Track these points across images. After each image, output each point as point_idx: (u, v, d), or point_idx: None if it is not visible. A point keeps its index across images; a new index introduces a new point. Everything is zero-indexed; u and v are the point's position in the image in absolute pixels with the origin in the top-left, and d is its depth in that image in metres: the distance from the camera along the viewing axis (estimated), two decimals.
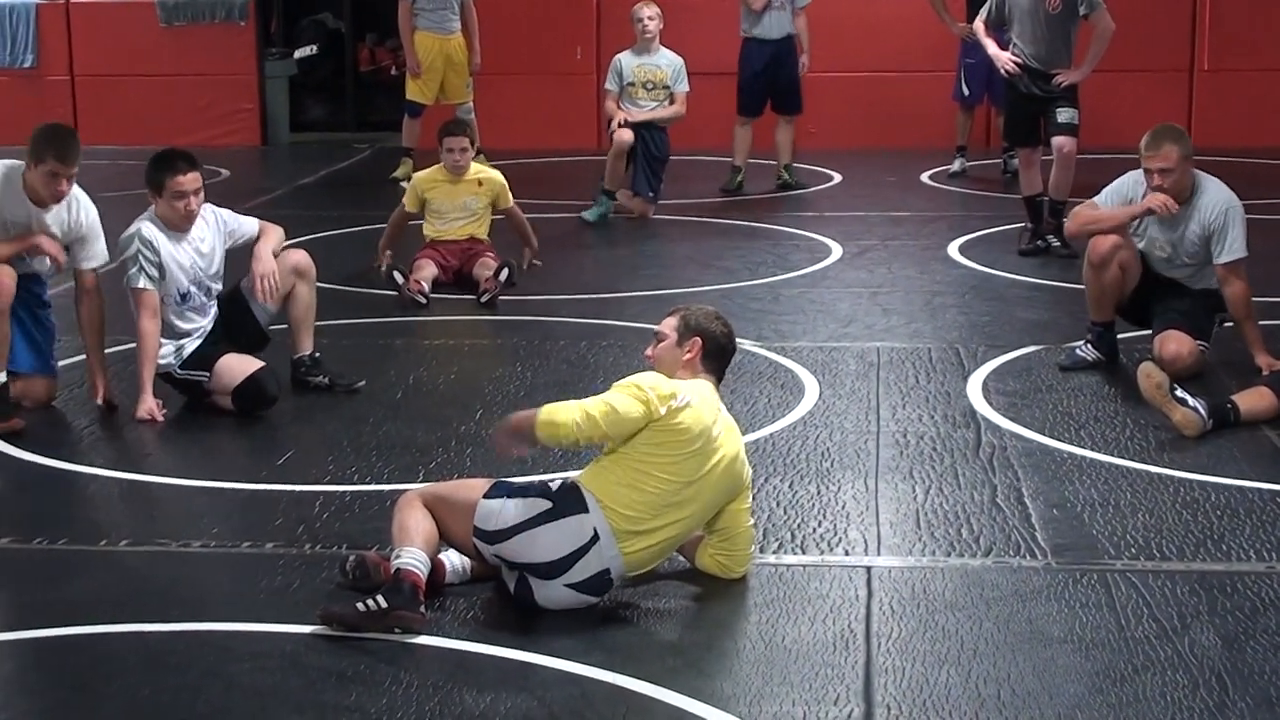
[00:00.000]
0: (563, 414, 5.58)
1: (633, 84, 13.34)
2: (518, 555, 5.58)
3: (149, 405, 7.93)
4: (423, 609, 5.45)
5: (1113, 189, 8.57)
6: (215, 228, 8.28)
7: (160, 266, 8.01)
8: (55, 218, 7.96)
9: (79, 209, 8.07)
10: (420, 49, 15.45)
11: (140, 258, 7.97)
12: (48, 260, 7.98)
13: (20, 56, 18.88)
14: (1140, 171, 8.40)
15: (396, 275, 10.50)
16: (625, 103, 13.36)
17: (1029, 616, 5.55)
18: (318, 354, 8.46)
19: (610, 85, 13.49)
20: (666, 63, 13.46)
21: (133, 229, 8.06)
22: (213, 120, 18.62)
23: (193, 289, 8.17)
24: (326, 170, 16.95)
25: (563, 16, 18.19)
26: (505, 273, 10.53)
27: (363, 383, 8.47)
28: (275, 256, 8.32)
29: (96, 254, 8.18)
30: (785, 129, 14.89)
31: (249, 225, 8.46)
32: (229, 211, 8.46)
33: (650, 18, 13.43)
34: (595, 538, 5.55)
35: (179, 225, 8.11)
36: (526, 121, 17.13)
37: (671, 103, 13.43)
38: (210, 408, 8.12)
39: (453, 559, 5.82)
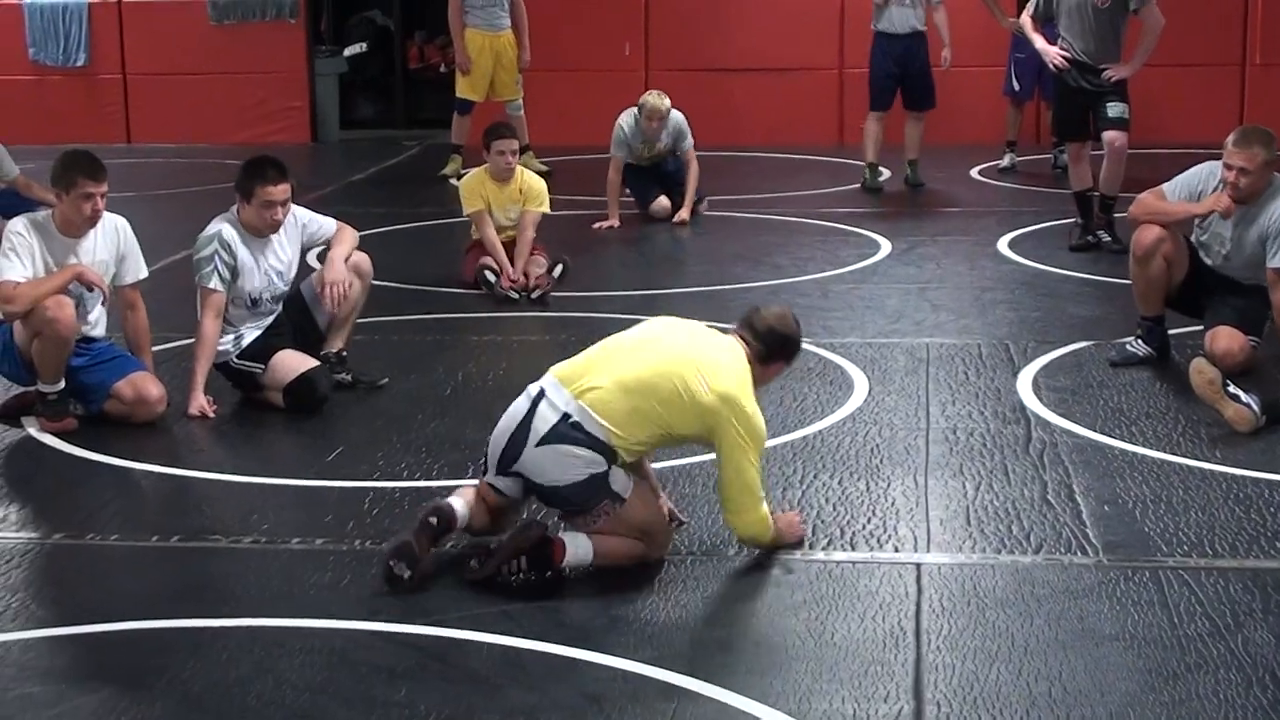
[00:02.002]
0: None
1: (639, 152, 13.09)
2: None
3: (200, 402, 7.97)
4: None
5: (1184, 179, 8.48)
6: (294, 234, 8.33)
7: (234, 270, 8.06)
8: (94, 243, 7.94)
9: (115, 226, 8.05)
10: (470, 46, 15.49)
11: (216, 258, 8.01)
12: (93, 304, 7.95)
13: (73, 55, 19.00)
14: (1214, 164, 8.31)
15: (489, 274, 10.52)
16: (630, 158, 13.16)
17: (1080, 614, 5.53)
18: (344, 352, 8.48)
19: (618, 152, 13.01)
20: (667, 135, 13.06)
21: (213, 229, 8.09)
22: (263, 118, 18.73)
23: (264, 295, 8.23)
24: (376, 167, 17.01)
25: (611, 13, 18.22)
26: (559, 269, 10.57)
27: (385, 380, 8.50)
28: (346, 262, 8.37)
29: (137, 268, 8.18)
30: (914, 125, 14.64)
31: (327, 226, 8.49)
32: (307, 212, 8.46)
33: (660, 119, 12.87)
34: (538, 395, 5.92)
35: (261, 232, 8.15)
36: (575, 118, 17.14)
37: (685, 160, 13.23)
38: (261, 404, 8.15)
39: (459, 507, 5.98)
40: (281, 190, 8.08)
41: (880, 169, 14.72)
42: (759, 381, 6.04)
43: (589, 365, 5.99)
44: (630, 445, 5.86)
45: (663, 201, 13.08)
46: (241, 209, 8.14)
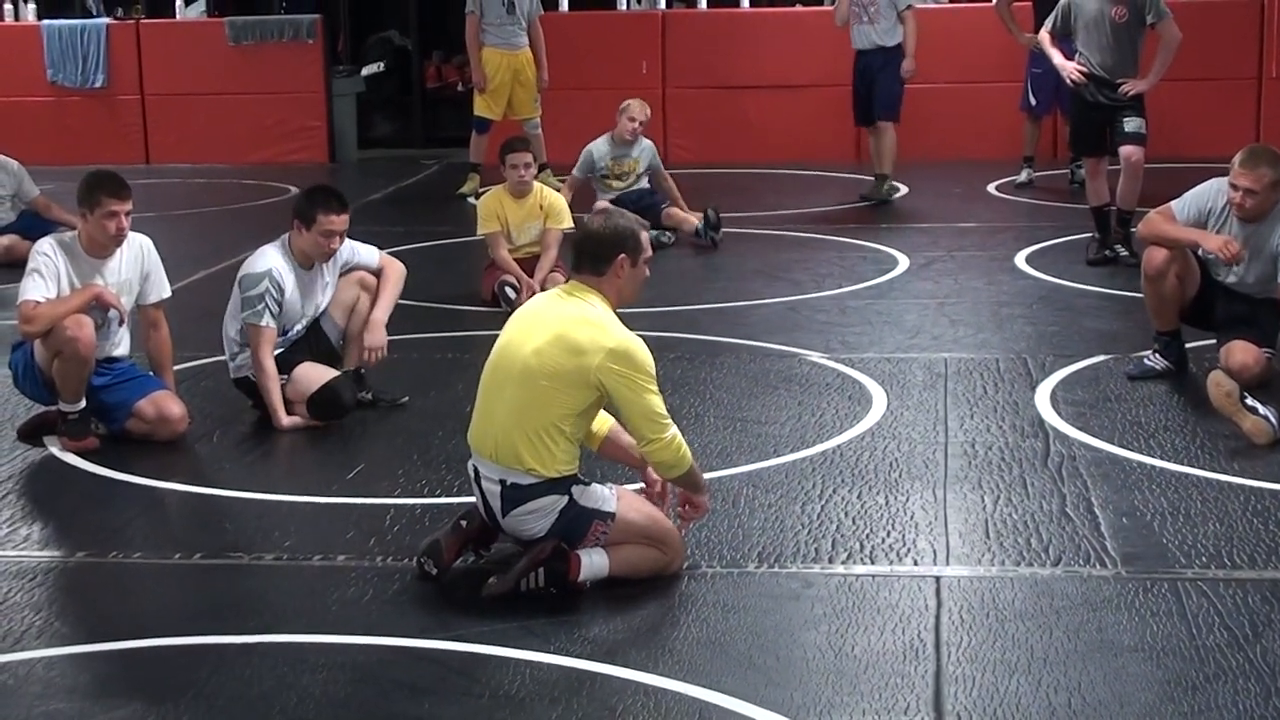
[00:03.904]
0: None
1: (606, 175, 13.09)
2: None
3: (290, 420, 8.07)
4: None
5: (1192, 196, 8.45)
6: (334, 269, 8.37)
7: (281, 304, 8.11)
8: (119, 263, 7.98)
9: (140, 245, 8.09)
10: (488, 65, 15.54)
11: (267, 297, 8.04)
12: (113, 325, 8.00)
13: (91, 77, 19.07)
14: (1223, 180, 8.28)
15: (510, 290, 10.56)
16: (600, 190, 13.09)
17: (1099, 625, 5.54)
18: (363, 370, 8.50)
19: (579, 172, 13.07)
20: (639, 151, 13.19)
21: (263, 266, 8.10)
22: (281, 138, 18.78)
23: (296, 326, 8.28)
24: (394, 186, 17.06)
25: (628, 32, 18.29)
26: None
27: (406, 398, 8.53)
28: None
29: (161, 287, 8.21)
30: (881, 137, 14.80)
31: (368, 258, 8.52)
32: (346, 243, 8.39)
33: (643, 122, 13.10)
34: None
35: (312, 260, 8.21)
36: (592, 136, 17.12)
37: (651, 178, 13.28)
38: None
39: None
40: (342, 221, 8.13)
41: (893, 184, 14.84)
42: (621, 293, 5.98)
43: (481, 417, 6.01)
44: (565, 453, 5.87)
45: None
46: (297, 235, 8.16)
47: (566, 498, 5.86)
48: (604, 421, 6.21)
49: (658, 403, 5.85)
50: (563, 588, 5.84)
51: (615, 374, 5.77)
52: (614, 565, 5.91)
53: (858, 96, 14.89)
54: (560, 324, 5.86)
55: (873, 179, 14.89)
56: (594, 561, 5.89)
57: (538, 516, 5.87)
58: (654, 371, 5.88)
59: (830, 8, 15.59)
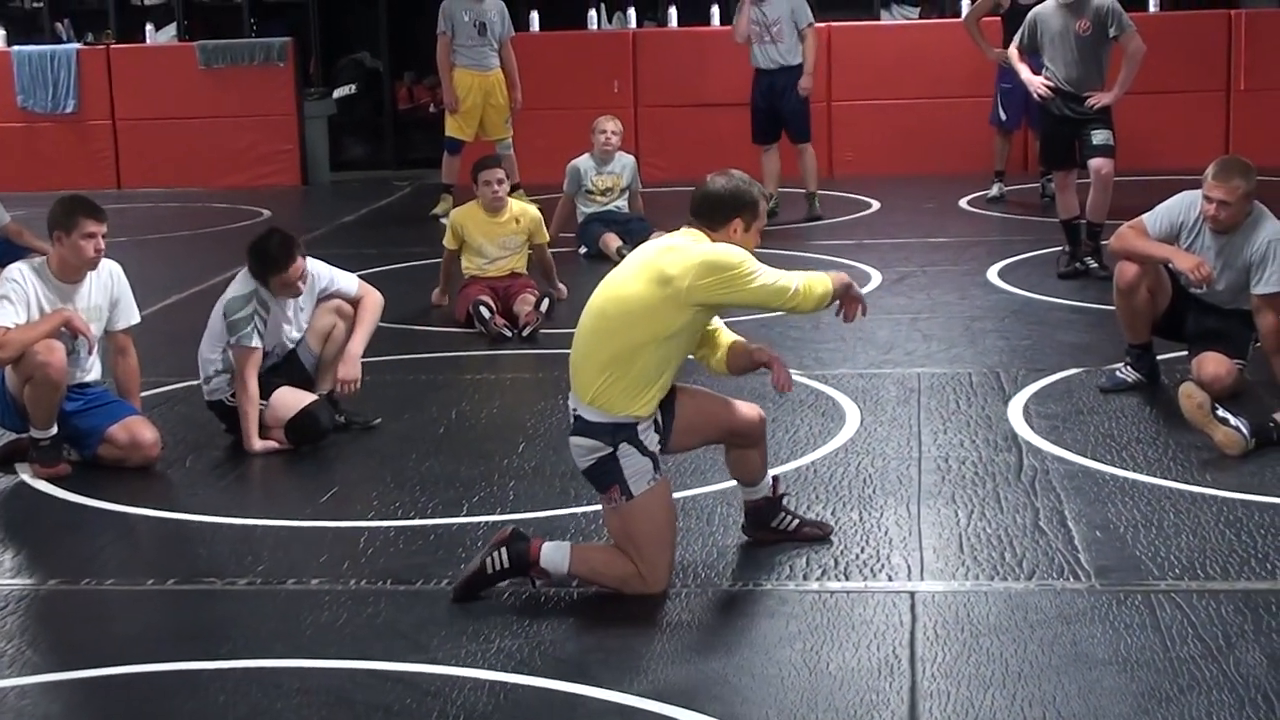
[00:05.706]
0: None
1: (591, 191, 13.34)
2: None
3: (262, 444, 8.06)
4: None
5: (1164, 210, 8.46)
6: (310, 295, 8.36)
7: (267, 323, 8.12)
8: (89, 288, 7.95)
9: (110, 272, 8.06)
10: (459, 86, 15.55)
11: (255, 318, 8.05)
12: (83, 351, 7.96)
13: (62, 102, 19.02)
14: (1195, 194, 8.30)
15: (484, 310, 10.57)
16: (583, 204, 13.41)
17: (1073, 639, 5.54)
18: (335, 393, 8.47)
19: (569, 189, 13.41)
20: (621, 167, 13.48)
21: (247, 288, 8.11)
22: (253, 161, 18.76)
23: (274, 350, 8.28)
24: (367, 208, 17.04)
25: (599, 51, 18.30)
26: (546, 303, 10.64)
27: (379, 420, 8.52)
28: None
29: (129, 314, 8.19)
30: (802, 158, 15.00)
31: (346, 286, 8.51)
32: (326, 270, 8.44)
33: (614, 133, 13.42)
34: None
35: (286, 296, 8.24)
36: (565, 156, 17.05)
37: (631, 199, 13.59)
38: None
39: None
40: (296, 269, 8.13)
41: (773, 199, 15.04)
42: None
43: (574, 341, 6.07)
44: (625, 394, 5.87)
45: (610, 241, 12.91)
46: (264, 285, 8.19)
47: (610, 450, 5.89)
48: (719, 345, 6.36)
49: (767, 278, 5.94)
50: (524, 572, 5.93)
51: (711, 286, 5.86)
52: (574, 564, 5.96)
53: (757, 114, 15.04)
54: (648, 256, 5.97)
55: (803, 196, 15.03)
56: (556, 553, 5.96)
57: (582, 452, 5.95)
58: (746, 256, 5.93)
59: None
